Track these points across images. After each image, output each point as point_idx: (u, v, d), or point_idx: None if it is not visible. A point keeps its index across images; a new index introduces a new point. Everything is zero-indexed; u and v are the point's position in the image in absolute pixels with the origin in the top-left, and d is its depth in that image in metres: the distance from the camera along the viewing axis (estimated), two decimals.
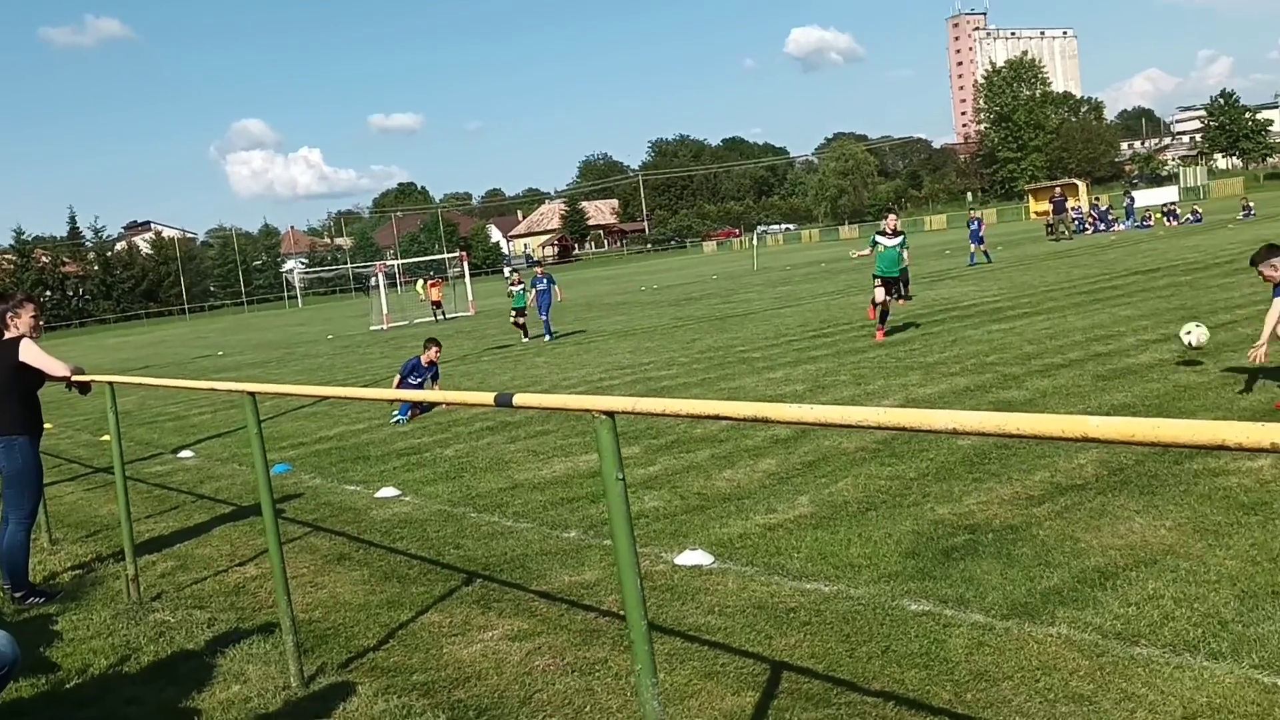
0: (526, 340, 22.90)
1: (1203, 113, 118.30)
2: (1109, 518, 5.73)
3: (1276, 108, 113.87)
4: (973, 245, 31.56)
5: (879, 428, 1.99)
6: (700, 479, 7.87)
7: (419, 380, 13.67)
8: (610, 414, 2.80)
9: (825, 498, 6.91)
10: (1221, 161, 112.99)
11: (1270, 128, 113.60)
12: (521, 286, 23.99)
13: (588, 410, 2.89)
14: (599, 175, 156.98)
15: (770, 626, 4.80)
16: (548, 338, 22.55)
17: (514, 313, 24.00)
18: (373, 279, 46.91)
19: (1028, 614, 4.56)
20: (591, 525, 6.95)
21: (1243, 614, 4.26)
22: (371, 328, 37.15)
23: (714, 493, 7.42)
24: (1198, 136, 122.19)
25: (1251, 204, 43.65)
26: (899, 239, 15.46)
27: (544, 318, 22.91)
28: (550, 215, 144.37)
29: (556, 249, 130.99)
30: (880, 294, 15.14)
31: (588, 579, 5.84)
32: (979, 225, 32.35)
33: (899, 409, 2.13)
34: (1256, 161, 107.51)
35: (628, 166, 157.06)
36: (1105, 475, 6.57)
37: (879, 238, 15.59)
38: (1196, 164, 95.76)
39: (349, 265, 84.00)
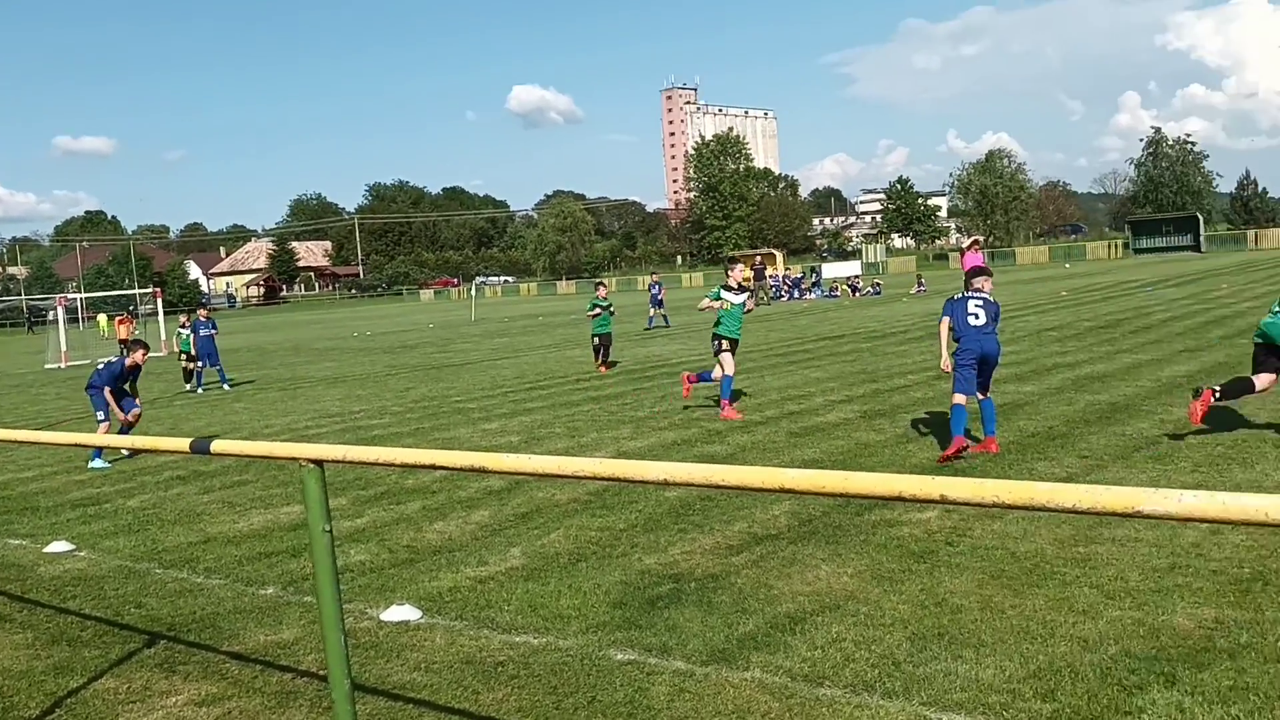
0: (189, 387, 21.32)
1: (882, 196, 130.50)
2: (799, 565, 6.11)
3: (944, 195, 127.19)
4: (652, 309, 32.68)
5: (595, 478, 2.04)
6: (410, 531, 7.69)
7: (124, 386, 12.17)
8: (319, 463, 2.70)
9: (537, 549, 6.94)
10: (898, 240, 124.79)
11: (939, 213, 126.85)
12: (188, 330, 22.18)
13: (294, 458, 2.76)
14: (311, 215, 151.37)
15: (478, 681, 4.74)
16: (225, 386, 21.18)
17: (183, 356, 22.31)
18: (50, 313, 42.76)
19: (725, 659, 4.77)
20: (291, 581, 6.61)
21: (913, 654, 4.65)
22: (47, 365, 33.80)
23: (424, 545, 7.26)
24: (878, 217, 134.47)
25: (924, 280, 48.44)
26: (744, 295, 12.58)
27: (213, 365, 21.31)
28: (257, 254, 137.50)
29: (262, 289, 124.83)
30: (730, 363, 12.13)
31: (286, 638, 5.54)
32: (659, 289, 33.72)
33: (615, 460, 2.20)
34: (927, 242, 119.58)
35: (342, 208, 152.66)
36: (796, 526, 7.01)
37: (725, 292, 12.31)
38: (877, 241, 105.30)
39: (23, 297, 76.06)
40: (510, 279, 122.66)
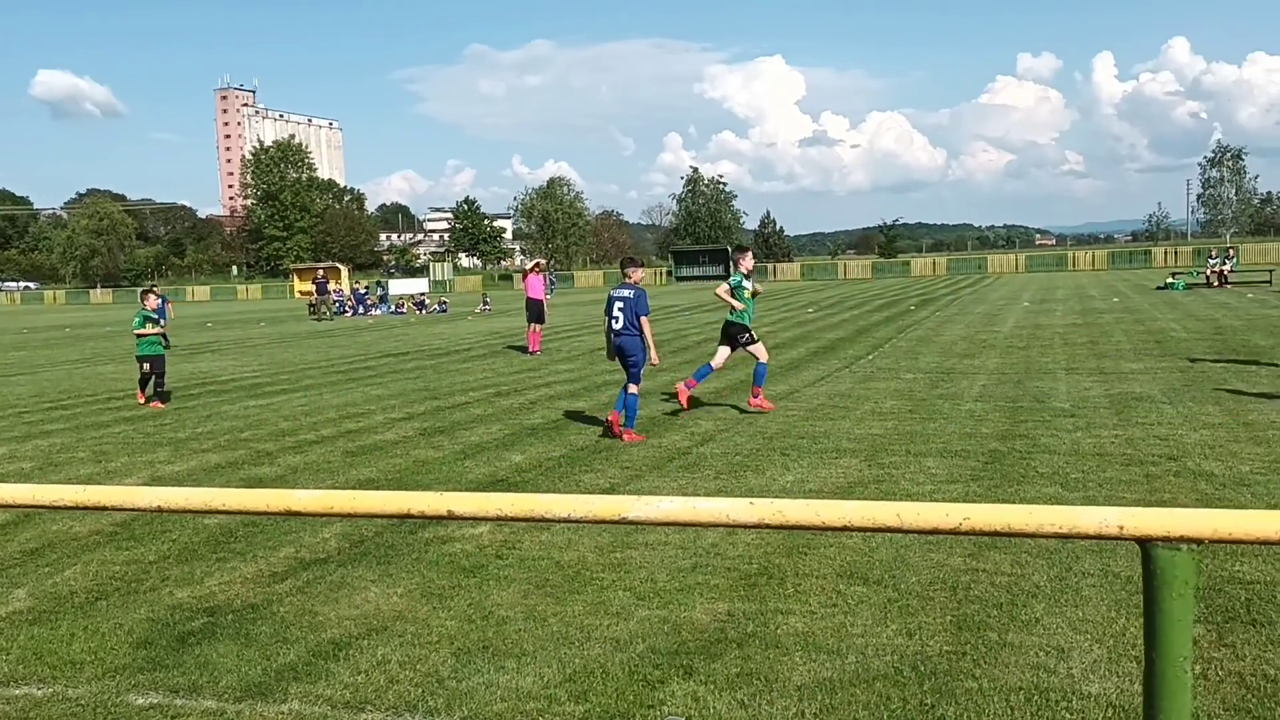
0: None
1: (450, 215, 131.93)
2: (347, 589, 5.95)
3: (509, 218, 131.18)
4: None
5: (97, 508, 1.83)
6: None
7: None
8: None
9: (48, 589, 6.16)
10: (465, 260, 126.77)
11: (505, 234, 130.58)
12: None
13: None
14: None
15: None
16: None
17: None
18: None
19: (261, 694, 4.51)
20: None
21: (458, 670, 4.68)
22: None
23: None
24: (446, 235, 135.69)
25: (489, 299, 49.50)
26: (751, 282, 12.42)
27: None
28: None
29: None
30: (763, 350, 12.21)
31: None
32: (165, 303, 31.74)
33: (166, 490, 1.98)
34: (494, 262, 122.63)
35: None
36: (348, 548, 6.82)
37: (746, 281, 12.21)
38: (444, 260, 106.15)
39: None
40: (33, 285, 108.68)
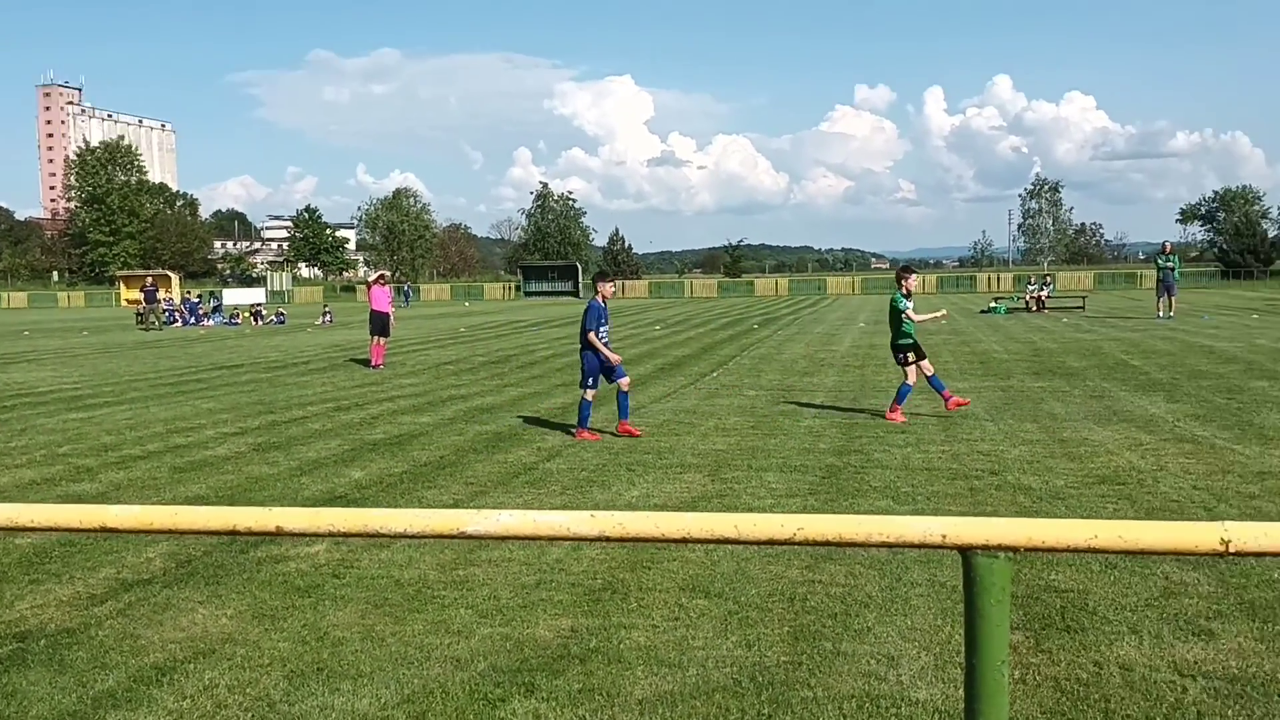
0: None
1: (290, 223, 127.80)
2: (173, 611, 5.67)
3: (353, 228, 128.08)
4: None
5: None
6: None
7: None
8: None
9: None
10: (305, 270, 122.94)
11: (348, 245, 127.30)
12: None
13: None
14: None
15: None
16: None
17: None
18: None
19: None
20: None
21: (290, 693, 4.51)
22: None
23: None
24: (285, 244, 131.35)
25: (330, 311, 48.15)
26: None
27: None
28: None
29: None
30: (920, 369, 12.41)
31: None
32: None
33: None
34: (336, 273, 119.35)
35: None
36: (174, 568, 6.50)
37: (908, 301, 12.57)
38: (283, 269, 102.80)
39: None
40: None
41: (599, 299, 11.58)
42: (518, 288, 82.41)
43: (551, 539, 1.62)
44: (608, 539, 1.61)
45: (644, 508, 8.04)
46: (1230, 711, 4.10)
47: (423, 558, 6.55)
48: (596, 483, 8.95)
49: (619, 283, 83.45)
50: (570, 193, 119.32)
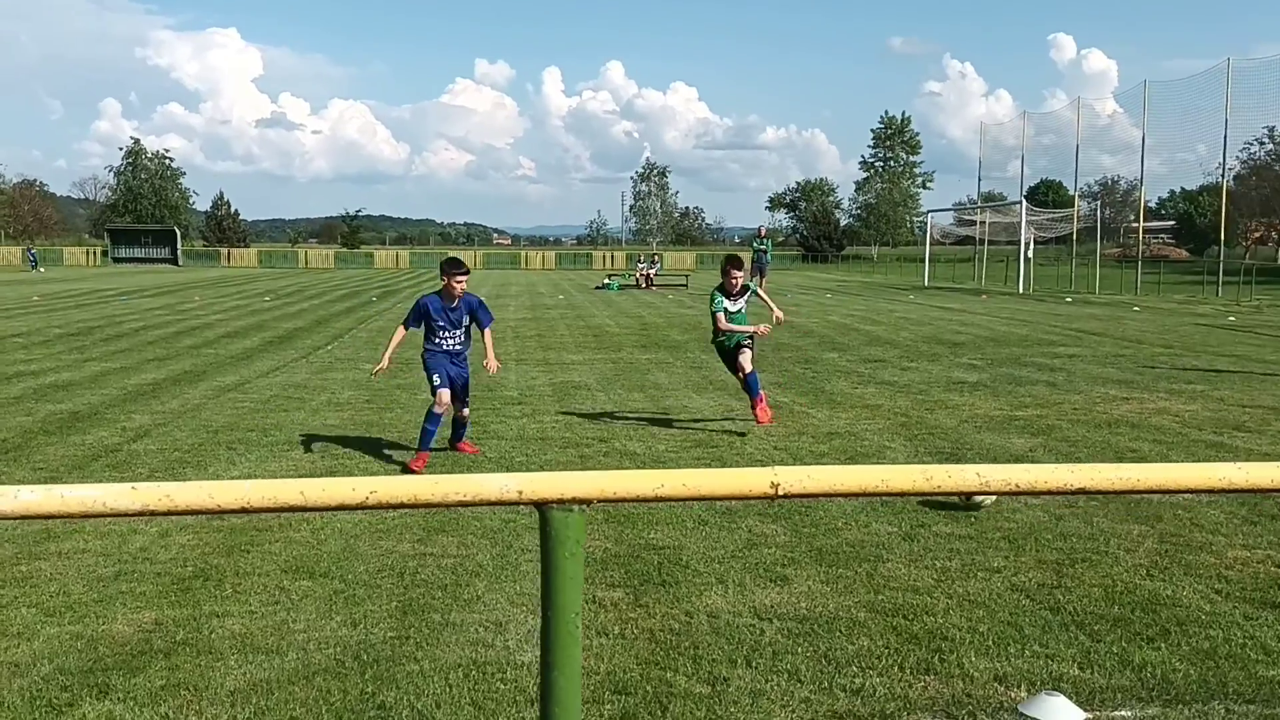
0: None
1: None
2: None
3: None
4: None
5: None
6: None
7: None
8: None
9: None
10: None
11: None
12: None
13: None
14: None
15: None
16: None
17: None
18: None
19: None
20: None
21: None
22: None
23: None
24: None
25: None
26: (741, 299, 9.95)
27: None
28: None
29: None
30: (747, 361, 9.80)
31: None
32: None
33: None
34: None
35: None
36: None
37: (724, 299, 9.84)
38: None
39: None
40: None
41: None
42: (104, 253, 74.68)
43: (84, 516, 1.41)
44: (152, 513, 1.42)
45: None
46: (799, 648, 4.52)
47: None
48: (191, 464, 8.29)
49: (221, 250, 78.22)
50: (167, 151, 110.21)
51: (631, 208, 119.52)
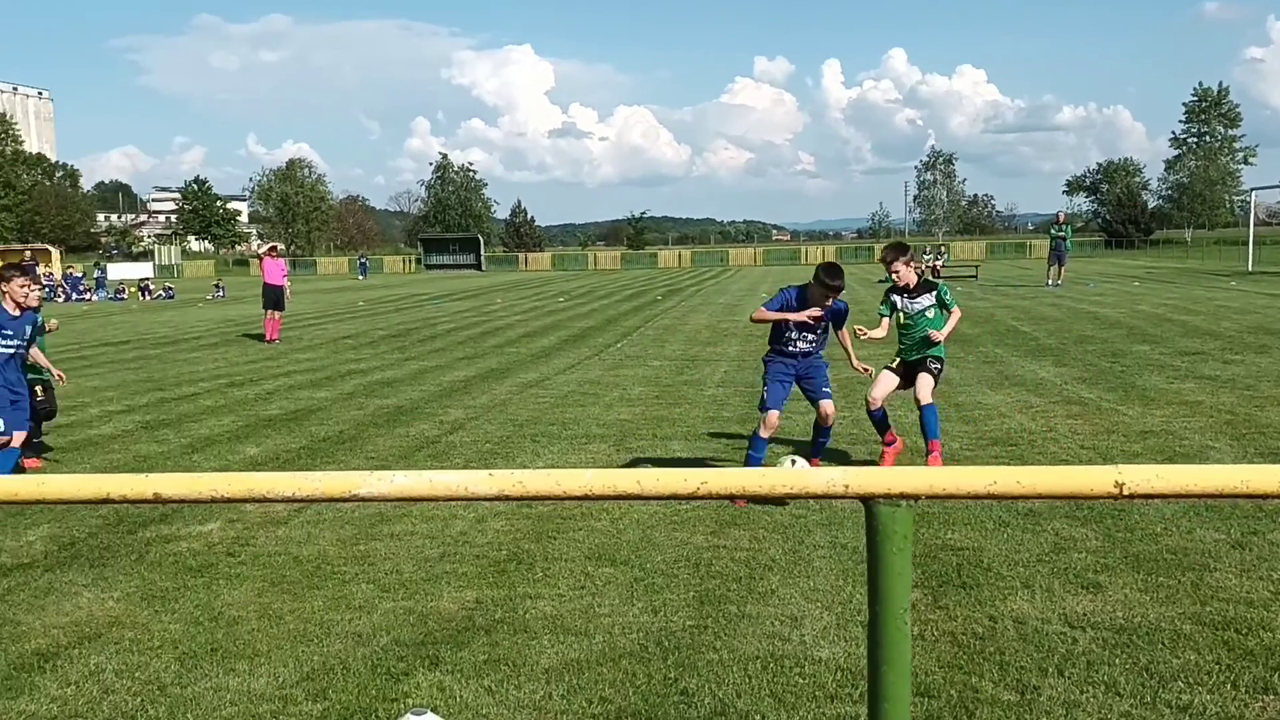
0: None
1: (178, 195, 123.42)
2: (56, 595, 5.42)
3: (245, 200, 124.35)
4: None
5: None
6: None
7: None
8: None
9: None
10: (195, 243, 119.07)
11: (239, 217, 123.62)
12: None
13: None
14: None
15: None
16: None
17: None
18: None
19: None
20: None
21: (182, 675, 4.36)
22: None
23: None
24: (173, 217, 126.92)
25: (223, 285, 46.73)
26: (929, 297, 7.85)
27: None
28: None
29: None
30: (883, 388, 7.85)
31: None
32: None
33: None
34: (227, 246, 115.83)
35: None
36: (56, 551, 6.22)
37: (896, 297, 7.92)
38: (172, 243, 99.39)
39: None
40: None
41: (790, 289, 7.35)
42: (418, 261, 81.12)
43: (449, 499, 1.56)
44: (507, 498, 1.56)
45: None
46: (1117, 660, 4.24)
47: (322, 534, 6.40)
48: (500, 455, 8.86)
49: (519, 255, 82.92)
50: (471, 164, 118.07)
51: (915, 198, 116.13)
